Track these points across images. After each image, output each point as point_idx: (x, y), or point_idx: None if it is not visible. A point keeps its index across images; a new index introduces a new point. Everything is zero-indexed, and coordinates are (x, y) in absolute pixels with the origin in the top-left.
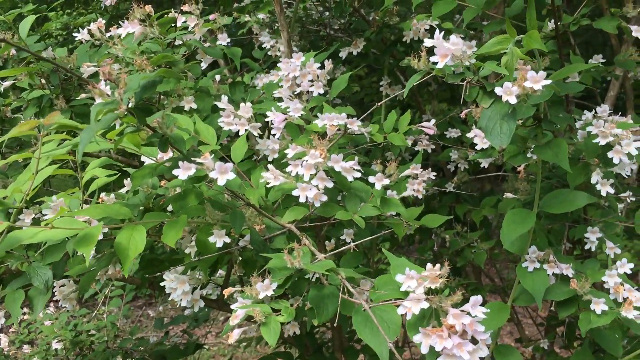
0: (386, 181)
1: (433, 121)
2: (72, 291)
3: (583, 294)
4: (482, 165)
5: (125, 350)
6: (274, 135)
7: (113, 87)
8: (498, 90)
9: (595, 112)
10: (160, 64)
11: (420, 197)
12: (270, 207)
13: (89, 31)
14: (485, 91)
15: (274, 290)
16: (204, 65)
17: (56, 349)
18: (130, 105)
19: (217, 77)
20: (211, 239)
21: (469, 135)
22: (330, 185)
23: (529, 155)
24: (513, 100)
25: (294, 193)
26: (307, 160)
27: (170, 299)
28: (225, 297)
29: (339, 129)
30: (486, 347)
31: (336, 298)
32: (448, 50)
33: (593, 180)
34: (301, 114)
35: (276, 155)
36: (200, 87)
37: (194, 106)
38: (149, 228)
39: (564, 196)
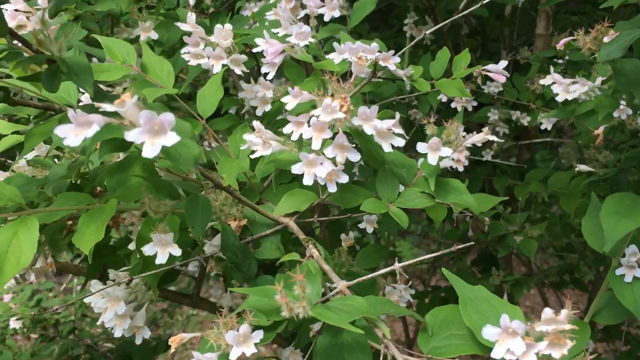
0: (446, 151)
1: (504, 63)
2: None
3: None
4: (543, 127)
5: (87, 344)
6: (265, 75)
7: None
8: None
9: None
10: None
11: (461, 169)
12: (256, 189)
13: None
14: None
15: (257, 341)
16: None
17: (15, 328)
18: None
19: (192, 1)
20: (147, 250)
21: (543, 81)
22: (356, 157)
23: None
24: None
25: (295, 170)
26: (317, 116)
27: (98, 322)
28: (173, 348)
29: (365, 70)
30: None
31: (363, 352)
32: None
33: None
34: (308, 44)
35: (268, 108)
36: (167, 13)
37: (154, 36)
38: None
39: None
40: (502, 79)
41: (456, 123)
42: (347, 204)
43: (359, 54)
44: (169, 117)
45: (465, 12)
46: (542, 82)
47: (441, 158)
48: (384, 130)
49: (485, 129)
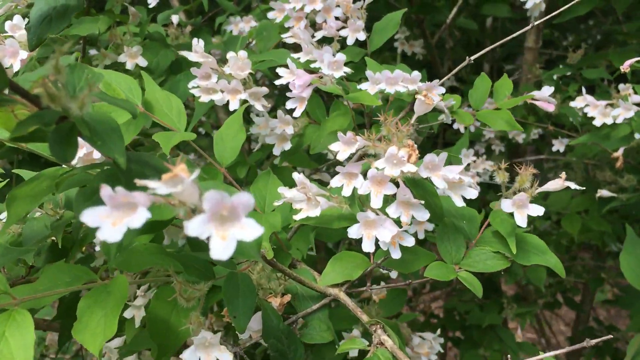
0: (536, 209)
1: (549, 89)
2: None
3: None
4: (554, 149)
5: None
6: (291, 112)
7: None
8: None
9: None
10: None
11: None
12: (286, 249)
13: None
14: None
15: None
16: (152, 3)
17: None
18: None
19: (175, 18)
20: (187, 357)
21: (575, 104)
22: (424, 216)
23: None
24: None
25: (352, 233)
26: (382, 169)
27: None
28: None
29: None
30: None
31: None
32: None
33: None
34: (343, 75)
35: (288, 146)
36: (150, 33)
37: (143, 63)
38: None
39: None
40: (552, 108)
41: (530, 169)
42: (408, 269)
43: (396, 85)
44: (245, 199)
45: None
46: (573, 104)
47: (531, 218)
48: (455, 181)
49: (563, 175)
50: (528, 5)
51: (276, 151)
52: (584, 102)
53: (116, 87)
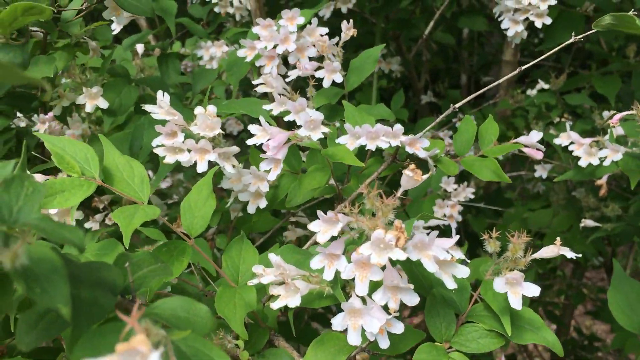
0: (532, 288)
1: (538, 135)
2: None
3: None
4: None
5: None
6: (266, 172)
7: None
8: None
9: None
10: (23, 29)
11: (454, 226)
12: (262, 324)
13: None
14: None
15: None
16: (115, 29)
17: None
18: None
19: (140, 48)
20: None
21: (558, 141)
22: (414, 301)
23: None
24: None
25: (337, 325)
26: (364, 255)
27: None
28: None
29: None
30: None
31: None
32: None
33: None
34: (324, 134)
35: (263, 204)
36: (113, 67)
37: (103, 105)
38: None
39: None
40: (540, 155)
41: (523, 235)
42: (396, 351)
43: (377, 140)
44: None
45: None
46: (557, 141)
47: (526, 299)
48: (447, 260)
49: (558, 240)
50: (509, 34)
51: (250, 209)
52: (568, 140)
53: (70, 160)
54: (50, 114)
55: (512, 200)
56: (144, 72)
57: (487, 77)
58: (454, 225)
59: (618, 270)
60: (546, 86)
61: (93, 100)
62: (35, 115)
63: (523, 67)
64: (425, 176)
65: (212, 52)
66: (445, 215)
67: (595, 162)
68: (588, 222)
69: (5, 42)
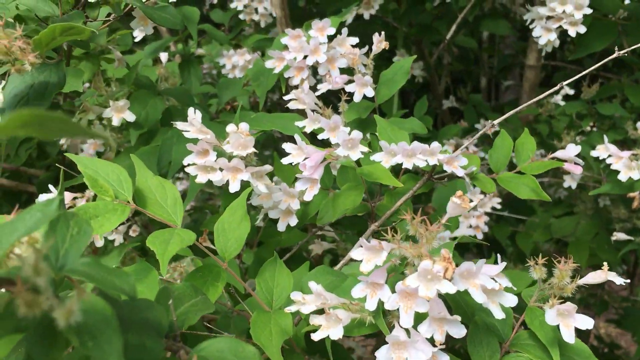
0: (585, 321)
1: (576, 149)
2: None
3: None
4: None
5: None
6: (302, 192)
7: None
8: None
9: None
10: (58, 47)
11: (480, 236)
12: (297, 348)
13: None
14: None
15: None
16: (138, 37)
17: None
18: None
19: (163, 57)
20: None
21: (596, 154)
22: (461, 333)
23: None
24: None
25: (381, 357)
26: (411, 287)
27: None
28: None
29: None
30: None
31: None
32: None
33: None
34: (363, 154)
35: (294, 222)
36: (137, 78)
37: (130, 118)
38: None
39: None
40: (579, 170)
41: (569, 263)
42: None
43: (414, 158)
44: None
45: None
46: (594, 154)
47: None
48: (495, 290)
49: (605, 265)
50: (541, 42)
51: (281, 227)
52: (606, 153)
53: (103, 183)
54: None
55: (533, 206)
56: (167, 81)
57: (507, 80)
58: (479, 236)
59: None
60: (571, 92)
61: (120, 113)
62: None
63: (565, 83)
64: (473, 203)
65: (235, 61)
66: (471, 226)
67: (636, 176)
68: (620, 235)
69: (42, 62)
